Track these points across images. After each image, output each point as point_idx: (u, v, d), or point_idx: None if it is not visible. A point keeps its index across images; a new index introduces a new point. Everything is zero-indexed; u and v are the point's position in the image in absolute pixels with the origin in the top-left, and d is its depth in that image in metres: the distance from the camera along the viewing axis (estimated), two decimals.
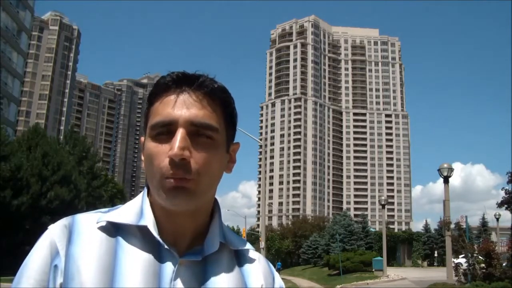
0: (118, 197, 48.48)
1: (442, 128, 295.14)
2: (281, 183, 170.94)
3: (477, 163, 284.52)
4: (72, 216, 0.92)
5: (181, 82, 0.90)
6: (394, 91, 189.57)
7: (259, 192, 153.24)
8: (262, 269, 1.01)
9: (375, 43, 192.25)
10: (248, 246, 1.02)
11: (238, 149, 1.01)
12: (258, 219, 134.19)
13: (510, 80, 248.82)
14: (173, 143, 0.85)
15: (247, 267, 0.99)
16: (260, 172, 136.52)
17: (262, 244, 26.94)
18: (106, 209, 0.96)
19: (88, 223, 0.91)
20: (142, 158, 0.93)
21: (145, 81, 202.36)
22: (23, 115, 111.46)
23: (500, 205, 19.71)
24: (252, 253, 1.03)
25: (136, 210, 0.93)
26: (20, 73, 55.84)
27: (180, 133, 0.85)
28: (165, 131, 0.87)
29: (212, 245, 0.93)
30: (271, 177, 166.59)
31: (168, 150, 0.85)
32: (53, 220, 0.93)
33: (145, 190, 0.97)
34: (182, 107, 0.87)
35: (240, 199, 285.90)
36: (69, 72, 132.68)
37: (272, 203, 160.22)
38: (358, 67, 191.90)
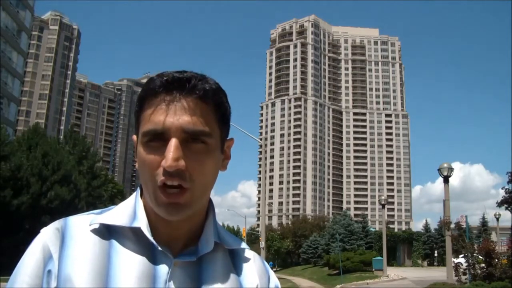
0: (118, 197, 48.47)
1: (442, 128, 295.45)
2: (281, 183, 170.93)
3: (476, 163, 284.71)
4: (64, 219, 0.91)
5: (171, 87, 0.87)
6: (394, 91, 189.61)
7: (259, 192, 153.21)
8: (257, 268, 1.01)
9: (375, 43, 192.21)
10: (243, 245, 1.01)
11: (232, 144, 1.00)
12: (258, 218, 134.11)
13: (510, 80, 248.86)
14: (167, 154, 0.83)
15: (242, 266, 0.98)
16: (260, 171, 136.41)
17: (262, 244, 26.85)
18: (99, 210, 0.95)
19: (81, 225, 0.90)
20: (135, 157, 0.92)
21: (145, 81, 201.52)
22: (23, 115, 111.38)
23: (500, 204, 19.61)
24: (247, 252, 1.02)
25: (129, 212, 0.92)
26: (20, 73, 55.78)
27: (173, 144, 0.84)
28: (157, 139, 0.86)
29: (207, 245, 0.92)
30: (271, 177, 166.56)
31: (160, 159, 0.84)
32: (53, 220, 0.92)
33: (138, 190, 0.96)
34: (173, 115, 0.85)
35: (239, 199, 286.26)
36: (69, 72, 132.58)
37: (272, 203, 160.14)
38: (358, 67, 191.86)
